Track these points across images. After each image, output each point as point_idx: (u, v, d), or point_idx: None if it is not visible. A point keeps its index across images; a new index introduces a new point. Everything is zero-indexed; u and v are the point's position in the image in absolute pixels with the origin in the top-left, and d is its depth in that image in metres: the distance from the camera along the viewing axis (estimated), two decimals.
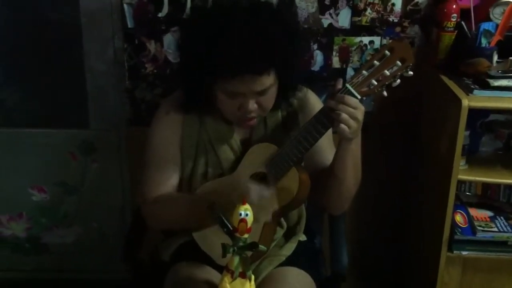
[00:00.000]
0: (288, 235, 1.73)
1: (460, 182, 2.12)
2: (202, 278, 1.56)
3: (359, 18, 2.20)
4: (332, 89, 1.51)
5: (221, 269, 1.51)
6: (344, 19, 2.20)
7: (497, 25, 2.01)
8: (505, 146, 2.16)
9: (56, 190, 2.54)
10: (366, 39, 2.23)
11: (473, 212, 2.10)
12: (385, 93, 1.46)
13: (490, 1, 2.05)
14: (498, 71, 1.93)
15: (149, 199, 1.66)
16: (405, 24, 2.20)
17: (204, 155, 1.67)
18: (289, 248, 1.69)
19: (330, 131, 1.55)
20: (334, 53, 2.25)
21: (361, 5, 2.18)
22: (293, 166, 1.53)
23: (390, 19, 2.20)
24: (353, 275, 2.44)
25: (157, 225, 1.71)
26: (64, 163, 2.48)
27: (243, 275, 1.42)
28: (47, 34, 2.41)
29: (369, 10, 2.19)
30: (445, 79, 2.04)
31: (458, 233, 2.01)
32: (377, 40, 2.22)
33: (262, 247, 1.41)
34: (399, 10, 2.19)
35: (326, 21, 2.21)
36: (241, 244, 1.38)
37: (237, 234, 1.38)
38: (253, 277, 1.46)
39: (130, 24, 2.24)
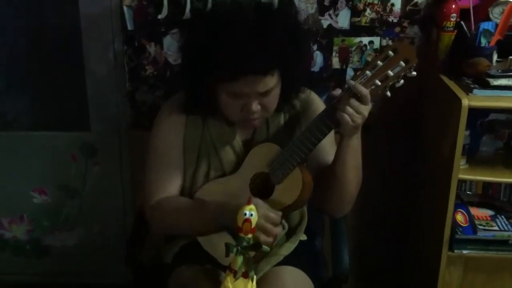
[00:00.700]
0: (289, 235, 1.74)
1: (461, 182, 2.13)
2: (205, 279, 1.56)
3: (359, 19, 2.20)
4: (330, 93, 1.53)
5: (223, 269, 1.52)
6: (343, 19, 2.21)
7: (496, 25, 2.01)
8: (506, 146, 2.15)
9: (58, 192, 2.54)
10: (365, 40, 2.23)
11: (474, 211, 2.10)
12: (388, 93, 1.47)
13: (489, 1, 2.05)
14: (498, 70, 1.93)
15: (152, 201, 1.66)
16: (405, 24, 2.21)
17: (206, 157, 1.67)
18: (288, 248, 1.69)
19: (332, 132, 1.56)
20: (334, 53, 2.25)
21: (361, 6, 2.18)
22: (296, 166, 1.53)
23: (390, 20, 2.20)
24: (354, 274, 2.46)
25: (160, 230, 1.72)
26: (65, 165, 2.49)
27: (245, 275, 1.43)
28: (48, 38, 2.43)
29: (368, 11, 2.19)
30: (445, 79, 2.05)
31: (459, 232, 2.01)
32: (376, 40, 2.22)
33: (265, 247, 1.41)
34: (399, 10, 2.19)
35: (325, 22, 2.21)
36: (244, 244, 1.39)
37: (241, 234, 1.39)
38: (255, 277, 1.47)
39: (130, 26, 2.24)
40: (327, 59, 2.26)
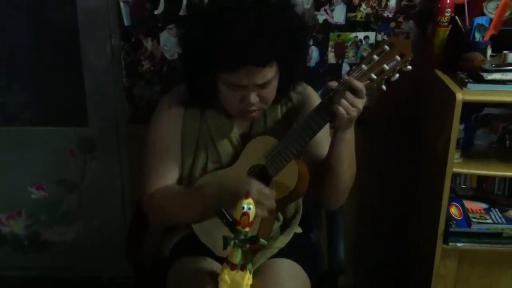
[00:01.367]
0: (284, 228, 1.75)
1: (455, 175, 2.16)
2: (204, 270, 1.58)
3: (354, 14, 2.22)
4: (327, 85, 1.54)
5: (220, 261, 1.53)
6: (339, 15, 2.22)
7: (491, 20, 2.03)
8: (500, 140, 2.17)
9: (56, 187, 2.55)
10: (361, 35, 2.24)
11: (468, 204, 2.12)
12: (384, 87, 1.49)
13: None
14: (492, 64, 1.95)
15: (150, 191, 1.68)
16: (400, 19, 2.22)
17: (204, 149, 1.69)
18: (283, 240, 1.71)
19: (327, 125, 1.57)
20: (329, 48, 2.26)
21: (356, 1, 2.19)
22: (292, 158, 1.55)
23: (385, 15, 2.21)
24: (352, 268, 2.48)
25: (158, 218, 1.72)
26: (63, 161, 2.49)
27: (243, 268, 1.44)
28: (46, 34, 2.43)
29: (364, 6, 2.20)
30: (440, 73, 2.07)
31: (453, 225, 2.03)
32: (372, 35, 2.23)
33: (262, 241, 1.43)
34: (394, 5, 2.20)
35: (321, 17, 2.22)
36: (242, 237, 1.41)
37: (239, 227, 1.40)
38: (252, 270, 1.49)
39: (126, 22, 2.25)
40: (323, 54, 2.27)
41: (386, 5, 2.20)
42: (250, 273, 1.48)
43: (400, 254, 2.52)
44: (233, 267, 1.45)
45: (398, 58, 1.45)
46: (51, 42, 2.43)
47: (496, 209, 2.11)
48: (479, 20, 2.02)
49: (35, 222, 2.62)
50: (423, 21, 2.20)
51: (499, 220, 2.05)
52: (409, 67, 1.47)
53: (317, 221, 2.04)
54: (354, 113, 1.47)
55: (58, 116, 2.53)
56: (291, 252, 1.69)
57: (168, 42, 2.27)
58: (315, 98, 1.73)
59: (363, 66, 1.48)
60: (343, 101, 1.46)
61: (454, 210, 2.09)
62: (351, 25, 2.23)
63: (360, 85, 1.46)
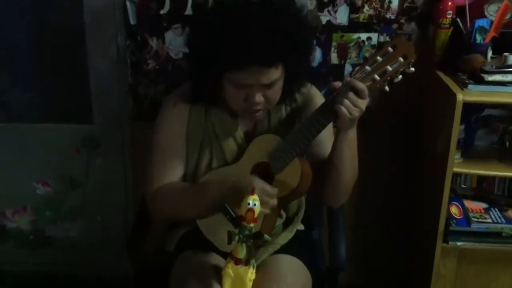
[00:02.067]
0: (286, 225, 1.77)
1: (456, 175, 2.18)
2: (209, 264, 1.60)
3: (357, 15, 2.24)
4: (331, 84, 1.57)
5: (223, 255, 1.56)
6: (342, 16, 2.24)
7: (491, 22, 2.05)
8: (500, 140, 2.19)
9: (61, 184, 2.57)
10: (363, 36, 2.26)
11: (468, 204, 2.14)
12: (387, 88, 1.51)
13: None
14: (492, 66, 1.97)
15: (153, 188, 1.70)
16: (402, 21, 2.24)
17: (209, 147, 1.71)
18: (285, 237, 1.73)
19: (330, 125, 1.60)
20: (332, 49, 2.28)
21: (359, 2, 2.21)
22: (295, 157, 1.58)
23: (387, 16, 2.23)
24: (352, 266, 2.49)
25: (161, 215, 1.74)
26: (68, 158, 2.52)
27: (246, 263, 1.47)
28: (52, 32, 2.45)
29: (366, 7, 2.22)
30: (441, 74, 2.09)
31: (453, 225, 2.05)
32: (374, 36, 2.25)
33: (267, 237, 1.46)
34: (396, 7, 2.22)
35: (324, 18, 2.24)
36: (247, 232, 1.43)
37: (244, 223, 1.43)
38: (255, 265, 1.51)
39: (132, 21, 2.28)
40: (325, 54, 2.29)
41: (389, 7, 2.22)
42: (253, 269, 1.51)
43: (400, 252, 2.54)
44: (237, 261, 1.47)
45: (401, 59, 1.48)
46: (57, 41, 2.45)
47: (496, 209, 2.13)
48: (480, 22, 2.04)
49: (40, 218, 2.64)
50: (424, 22, 2.22)
51: (499, 220, 2.07)
52: (412, 69, 1.49)
53: (319, 220, 2.06)
54: (356, 113, 1.49)
55: (64, 114, 2.54)
56: (293, 248, 1.71)
57: (173, 41, 2.29)
58: (319, 99, 1.75)
59: (367, 67, 1.50)
60: (346, 102, 1.48)
61: (454, 210, 2.11)
62: (354, 26, 2.25)
63: (362, 86, 1.48)
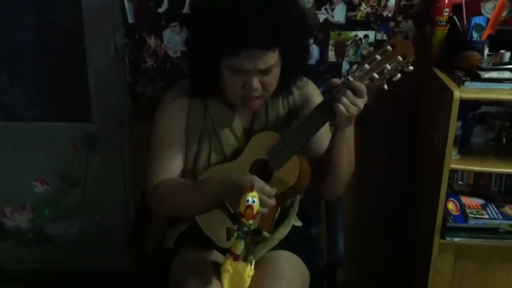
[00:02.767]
0: (282, 219, 1.78)
1: (453, 172, 2.19)
2: (208, 261, 1.61)
3: (354, 13, 2.25)
4: (330, 81, 1.58)
5: (223, 252, 1.57)
6: (339, 14, 2.25)
7: (488, 20, 2.06)
8: (497, 137, 2.21)
9: (59, 182, 2.58)
10: (361, 34, 2.27)
11: (465, 200, 2.15)
12: (385, 87, 1.52)
13: None
14: (489, 63, 1.98)
15: (153, 183, 1.71)
16: (399, 19, 2.25)
17: (207, 140, 1.72)
18: (282, 232, 1.74)
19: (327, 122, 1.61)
20: (330, 47, 2.29)
21: (356, 1, 2.22)
22: (294, 154, 1.59)
23: (385, 14, 2.24)
24: (350, 263, 2.50)
25: (160, 210, 1.75)
26: (67, 156, 2.52)
27: (245, 259, 1.48)
28: (50, 31, 2.46)
29: (363, 5, 2.23)
30: (438, 72, 2.10)
31: (450, 221, 2.06)
32: (371, 34, 2.26)
33: (265, 233, 1.47)
34: (393, 5, 2.23)
35: (322, 16, 2.25)
36: (246, 229, 1.44)
37: (243, 220, 1.44)
38: (253, 261, 1.52)
39: (130, 20, 2.28)
40: (323, 52, 2.30)
41: (386, 5, 2.23)
42: (251, 265, 1.51)
43: (398, 249, 2.55)
44: (235, 258, 1.48)
45: (400, 58, 1.49)
46: (56, 40, 2.46)
47: (493, 205, 2.14)
48: (476, 19, 2.05)
49: (39, 216, 2.65)
50: (421, 20, 2.23)
51: (496, 216, 2.08)
52: (411, 67, 1.51)
53: (317, 217, 2.08)
54: (354, 111, 1.51)
55: (63, 112, 2.55)
56: (291, 244, 1.72)
57: (171, 40, 2.30)
58: (316, 93, 1.77)
59: (366, 65, 1.51)
60: (344, 100, 1.50)
61: (451, 206, 2.12)
62: (351, 24, 2.26)
63: (360, 85, 1.50)
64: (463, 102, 1.89)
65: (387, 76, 1.50)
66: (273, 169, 1.61)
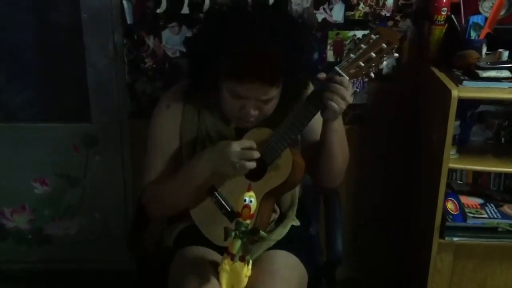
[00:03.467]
0: (280, 220, 1.79)
1: (452, 171, 2.19)
2: (206, 260, 1.62)
3: (352, 13, 2.25)
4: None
5: (221, 251, 1.57)
6: (337, 13, 2.25)
7: (486, 18, 2.06)
8: (495, 136, 2.21)
9: (59, 182, 2.58)
10: (359, 33, 2.27)
11: (464, 199, 2.15)
12: (372, 75, 1.54)
13: None
14: (487, 62, 1.98)
15: (147, 186, 1.73)
16: (397, 18, 2.25)
17: (202, 146, 1.72)
18: (280, 233, 1.75)
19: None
20: (328, 47, 2.29)
21: (354, 0, 2.23)
22: (287, 148, 1.59)
23: (383, 13, 2.24)
24: (349, 262, 2.51)
25: (154, 210, 1.76)
26: (67, 156, 2.52)
27: (242, 259, 1.48)
28: (49, 31, 2.46)
29: (362, 5, 2.23)
30: (436, 71, 2.10)
31: (449, 220, 2.06)
32: None
33: (262, 233, 1.47)
34: (391, 4, 2.23)
35: (320, 15, 2.26)
36: (243, 229, 1.45)
37: (240, 219, 1.44)
38: (251, 261, 1.53)
39: (129, 20, 2.29)
40: (322, 52, 2.30)
41: (384, 4, 2.23)
42: (249, 265, 1.52)
43: (397, 248, 2.55)
44: (233, 257, 1.49)
45: (385, 46, 1.50)
46: (55, 40, 2.47)
47: (492, 204, 2.14)
48: (474, 18, 2.05)
49: (39, 216, 2.65)
50: (419, 19, 2.23)
51: (495, 215, 2.08)
52: (396, 54, 1.53)
53: (316, 215, 2.08)
54: (342, 104, 1.53)
55: (62, 112, 2.56)
56: (289, 244, 1.73)
57: (170, 40, 2.30)
58: (311, 88, 1.78)
59: (351, 55, 1.52)
60: (330, 93, 1.51)
61: (450, 205, 2.12)
62: (350, 23, 2.26)
63: (341, 78, 1.51)
64: (462, 101, 1.89)
65: (373, 64, 1.52)
66: (267, 164, 1.62)
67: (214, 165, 1.59)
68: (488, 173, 2.22)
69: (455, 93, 1.88)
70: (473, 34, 2.05)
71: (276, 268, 1.62)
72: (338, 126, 1.64)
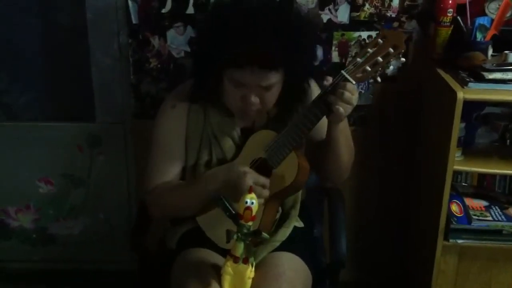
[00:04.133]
0: (283, 220, 1.78)
1: (456, 173, 2.18)
2: (209, 263, 1.62)
3: (358, 14, 2.24)
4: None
5: (224, 253, 1.57)
6: (343, 14, 2.25)
7: (492, 20, 2.05)
8: (501, 138, 2.20)
9: (63, 182, 2.58)
10: (364, 34, 2.27)
11: (469, 201, 2.15)
12: (379, 79, 1.54)
13: None
14: (493, 64, 1.97)
15: (150, 187, 1.73)
16: (403, 19, 2.24)
17: (208, 146, 1.73)
18: (283, 233, 1.74)
19: None
20: (333, 47, 2.29)
21: (360, 1, 2.22)
22: (292, 151, 1.59)
23: (388, 14, 2.24)
24: (353, 264, 2.51)
25: (158, 212, 1.77)
26: (71, 156, 2.53)
27: (245, 261, 1.48)
28: (54, 31, 2.47)
29: (367, 6, 2.23)
30: (441, 72, 2.09)
31: (454, 222, 2.05)
32: (375, 35, 2.24)
33: (265, 234, 1.47)
34: (397, 5, 2.22)
35: (325, 16, 2.25)
36: (245, 231, 1.44)
37: (242, 221, 1.44)
38: (254, 263, 1.52)
39: (134, 20, 2.29)
40: (327, 53, 2.30)
41: (389, 5, 2.23)
42: (252, 267, 1.52)
43: (402, 250, 2.55)
44: (236, 259, 1.48)
45: (391, 50, 1.50)
46: (60, 40, 2.47)
47: (496, 207, 2.13)
48: (480, 20, 2.04)
49: (43, 216, 2.65)
50: (425, 21, 2.23)
51: (499, 218, 2.07)
52: (403, 59, 1.53)
53: (319, 217, 2.07)
54: (349, 109, 1.54)
55: (66, 112, 2.56)
56: (292, 245, 1.73)
57: (175, 40, 2.30)
58: (316, 89, 1.78)
59: (358, 59, 1.53)
60: (337, 98, 1.52)
61: (455, 207, 2.11)
62: (355, 24, 2.26)
63: (348, 85, 1.51)
64: (467, 103, 1.88)
65: (380, 68, 1.52)
66: (272, 166, 1.62)
67: (226, 188, 1.57)
68: (493, 175, 2.21)
69: (461, 95, 1.87)
70: (479, 36, 2.04)
71: (282, 270, 1.62)
72: (344, 126, 1.65)
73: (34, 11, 2.44)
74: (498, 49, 2.05)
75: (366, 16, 2.25)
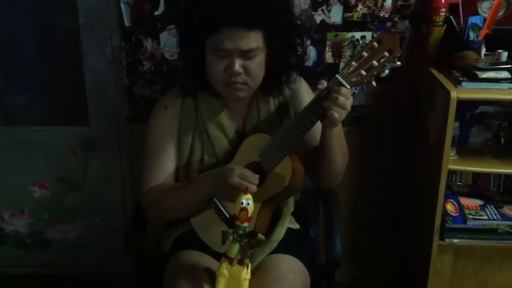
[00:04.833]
0: (277, 219, 1.77)
1: (451, 173, 2.19)
2: (201, 265, 1.61)
3: (351, 14, 2.24)
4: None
5: (217, 257, 1.56)
6: (336, 15, 2.25)
7: (485, 19, 2.05)
8: (495, 137, 2.20)
9: (58, 186, 2.57)
10: (358, 34, 2.27)
11: (464, 201, 2.15)
12: (374, 83, 1.53)
13: None
14: (486, 63, 1.98)
15: (145, 188, 1.73)
16: (396, 19, 2.24)
17: (199, 142, 1.73)
18: (279, 233, 1.74)
19: None
20: (327, 48, 2.29)
21: (353, 1, 2.22)
22: (286, 155, 1.59)
23: (381, 15, 2.24)
24: (349, 264, 2.51)
25: (153, 214, 1.76)
26: (65, 160, 2.52)
27: (241, 262, 1.48)
28: (46, 34, 2.46)
29: (360, 6, 2.23)
30: (435, 72, 2.09)
31: (449, 222, 2.06)
32: (368, 35, 2.26)
33: (260, 236, 1.47)
34: (390, 5, 2.22)
35: (318, 17, 2.25)
36: (240, 232, 1.44)
37: (238, 222, 1.44)
38: (250, 264, 1.52)
39: (127, 22, 2.28)
40: (320, 53, 2.30)
41: (382, 5, 2.23)
42: (248, 268, 1.51)
43: (397, 249, 2.55)
44: (231, 261, 1.48)
45: (387, 54, 1.50)
46: (52, 43, 2.46)
47: (491, 206, 2.14)
48: (473, 19, 2.05)
49: (38, 220, 2.65)
50: (418, 20, 2.23)
51: (494, 217, 2.08)
52: (398, 62, 1.52)
53: (315, 218, 2.07)
54: (343, 114, 1.54)
55: (60, 116, 2.56)
56: (291, 248, 1.72)
57: (168, 43, 2.29)
58: (307, 91, 1.79)
59: (353, 63, 1.52)
60: (331, 103, 1.52)
61: (450, 207, 2.12)
62: (348, 25, 2.26)
63: (343, 89, 1.51)
64: (461, 102, 1.89)
65: (375, 73, 1.52)
66: (266, 170, 1.61)
67: (219, 190, 1.57)
68: (488, 174, 2.22)
69: (454, 94, 1.87)
70: (472, 35, 2.05)
71: (282, 273, 1.62)
72: (338, 131, 1.64)
73: (26, 14, 2.43)
74: (491, 48, 2.06)
75: (359, 16, 2.25)
